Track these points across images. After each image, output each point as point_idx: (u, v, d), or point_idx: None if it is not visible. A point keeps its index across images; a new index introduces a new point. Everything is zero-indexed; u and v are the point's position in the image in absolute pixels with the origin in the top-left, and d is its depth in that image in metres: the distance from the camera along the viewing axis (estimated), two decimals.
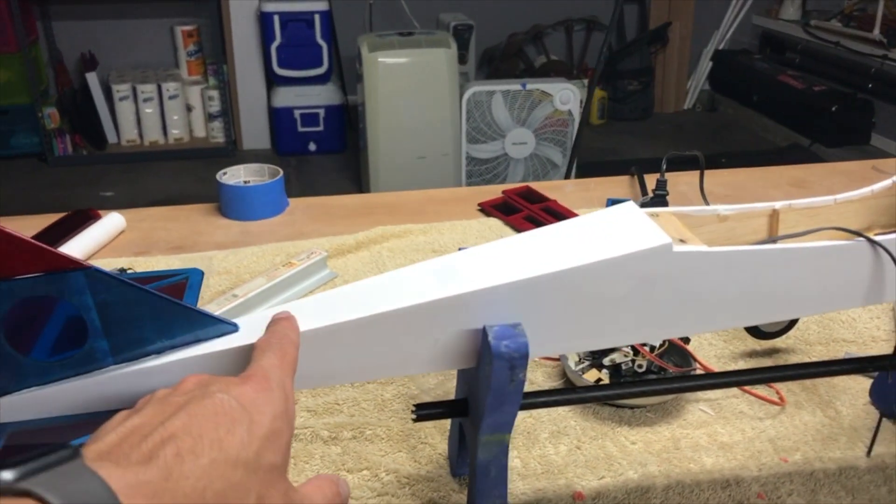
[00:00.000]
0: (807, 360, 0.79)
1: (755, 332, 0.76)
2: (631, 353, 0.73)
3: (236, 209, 1.06)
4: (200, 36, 3.93)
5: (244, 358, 0.45)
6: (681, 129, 4.33)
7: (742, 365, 0.77)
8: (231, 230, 1.04)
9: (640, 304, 0.50)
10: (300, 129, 3.89)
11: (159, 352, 0.44)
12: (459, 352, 0.49)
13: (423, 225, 1.04)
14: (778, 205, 0.56)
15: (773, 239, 0.53)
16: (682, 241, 0.50)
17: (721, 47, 4.54)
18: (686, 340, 0.75)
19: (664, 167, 1.03)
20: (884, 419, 0.70)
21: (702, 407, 0.71)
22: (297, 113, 3.86)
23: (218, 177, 1.07)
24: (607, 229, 0.52)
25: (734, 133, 4.25)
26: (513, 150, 3.41)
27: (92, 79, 3.75)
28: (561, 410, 0.70)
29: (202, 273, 0.86)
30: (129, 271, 0.88)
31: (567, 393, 0.58)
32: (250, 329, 0.47)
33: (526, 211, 1.08)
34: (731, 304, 0.51)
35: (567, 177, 3.49)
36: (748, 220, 0.57)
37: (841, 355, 0.78)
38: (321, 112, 3.88)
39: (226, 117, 3.89)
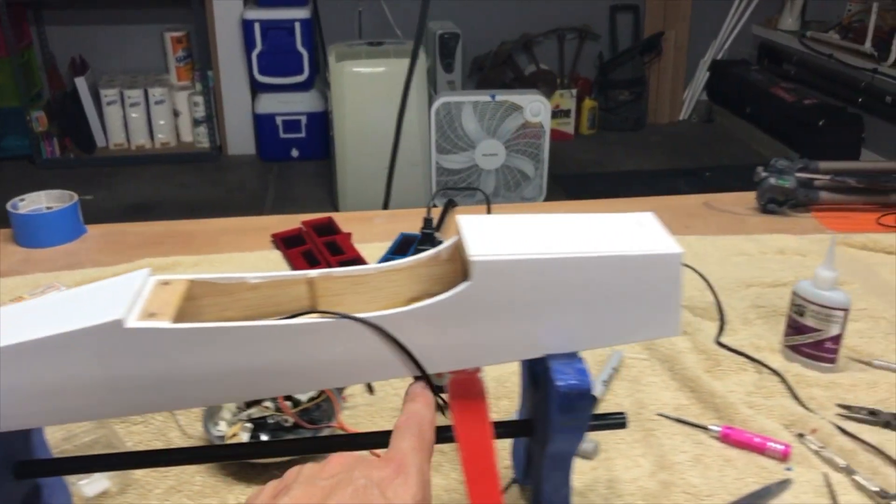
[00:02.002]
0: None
1: None
2: (273, 407, 0.72)
3: (23, 236, 1.08)
4: (190, 42, 3.99)
5: None
6: (673, 140, 4.25)
7: None
8: (12, 259, 1.05)
9: (114, 382, 0.49)
10: (282, 135, 3.92)
11: None
12: None
13: (195, 257, 1.04)
14: (314, 273, 0.55)
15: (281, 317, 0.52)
16: (152, 314, 0.49)
17: (719, 57, 4.44)
18: (340, 390, 0.74)
19: (432, 203, 1.00)
20: (515, 484, 0.68)
21: None
22: (279, 119, 3.89)
23: (10, 205, 1.09)
24: (95, 298, 0.51)
25: (727, 145, 4.15)
26: (483, 161, 3.39)
27: (81, 83, 3.84)
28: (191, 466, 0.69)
29: None
30: None
31: (175, 454, 0.57)
32: None
33: (309, 245, 1.07)
34: (214, 379, 0.50)
35: (540, 189, 3.46)
36: (285, 288, 0.55)
37: (513, 413, 0.76)
38: (303, 119, 3.91)
39: (210, 122, 3.95)
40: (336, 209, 3.40)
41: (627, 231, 0.53)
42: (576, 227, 0.53)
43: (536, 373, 0.56)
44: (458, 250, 0.55)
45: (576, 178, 3.79)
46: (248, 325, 0.49)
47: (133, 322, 0.48)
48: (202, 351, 0.49)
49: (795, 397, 0.78)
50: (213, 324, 0.49)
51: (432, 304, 0.50)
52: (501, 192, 3.46)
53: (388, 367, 0.51)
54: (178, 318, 0.51)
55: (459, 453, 0.50)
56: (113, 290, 0.52)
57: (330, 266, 1.01)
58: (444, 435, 0.52)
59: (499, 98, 3.32)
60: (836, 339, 0.80)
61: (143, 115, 3.94)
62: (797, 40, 4.03)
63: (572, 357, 0.51)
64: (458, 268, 0.55)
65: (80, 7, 3.96)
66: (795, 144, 3.77)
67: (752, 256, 1.05)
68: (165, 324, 0.48)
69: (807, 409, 0.76)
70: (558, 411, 0.49)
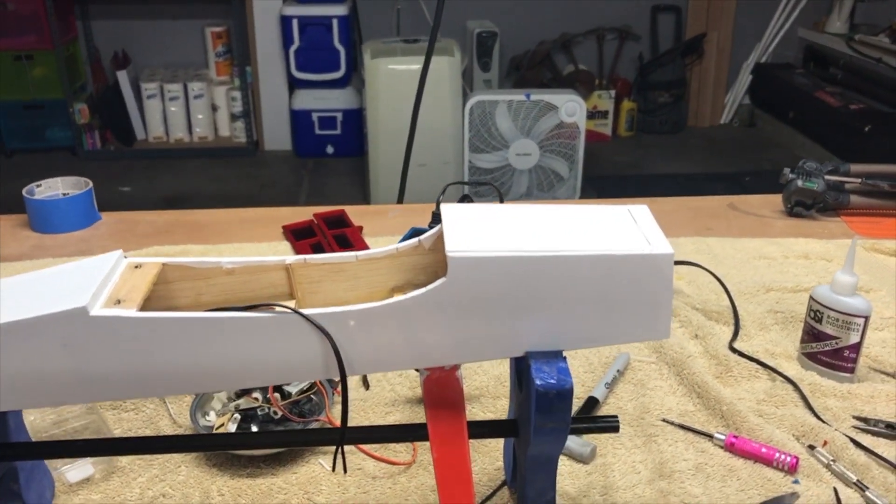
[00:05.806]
0: (490, 412, 0.74)
1: None
2: (262, 399, 0.70)
3: (37, 222, 1.08)
4: (229, 37, 4.02)
5: None
6: (713, 144, 4.17)
7: (418, 410, 0.73)
8: (25, 244, 1.06)
9: (81, 368, 0.48)
10: (318, 131, 3.94)
11: None
12: None
13: (204, 246, 1.03)
14: (291, 259, 0.53)
15: (221, 308, 0.50)
16: (119, 301, 0.48)
17: (763, 60, 4.34)
18: (333, 383, 0.73)
19: (441, 198, 0.98)
20: (505, 486, 0.65)
21: (321, 461, 0.68)
22: (315, 116, 3.91)
23: (26, 190, 1.09)
24: (66, 281, 0.50)
25: (769, 151, 4.06)
26: (516, 160, 3.36)
27: (122, 77, 3.89)
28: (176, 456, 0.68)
29: None
30: None
31: (164, 442, 0.56)
32: None
33: (319, 237, 1.06)
34: (181, 367, 0.49)
35: (574, 191, 3.41)
36: (261, 274, 0.54)
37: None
38: (339, 116, 3.92)
39: (247, 118, 3.98)
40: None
41: (618, 226, 0.50)
42: (565, 220, 0.51)
43: (521, 371, 0.53)
44: (442, 241, 0.53)
45: (610, 180, 3.73)
46: (207, 316, 0.48)
47: (98, 310, 0.47)
48: (166, 340, 0.48)
49: (809, 407, 0.74)
50: (175, 313, 0.48)
51: (407, 300, 0.47)
52: (534, 192, 3.42)
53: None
54: (148, 304, 0.50)
55: (433, 455, 0.48)
56: (84, 273, 0.51)
57: None
58: (420, 433, 0.50)
59: (534, 97, 3.28)
60: (856, 348, 0.76)
61: (182, 109, 3.99)
62: (845, 44, 3.92)
63: (555, 356, 0.49)
64: (442, 258, 0.53)
65: (125, 1, 4.02)
66: (840, 151, 3.67)
67: (775, 260, 1.01)
68: (130, 312, 0.47)
69: (820, 420, 0.72)
70: (536, 411, 0.47)
